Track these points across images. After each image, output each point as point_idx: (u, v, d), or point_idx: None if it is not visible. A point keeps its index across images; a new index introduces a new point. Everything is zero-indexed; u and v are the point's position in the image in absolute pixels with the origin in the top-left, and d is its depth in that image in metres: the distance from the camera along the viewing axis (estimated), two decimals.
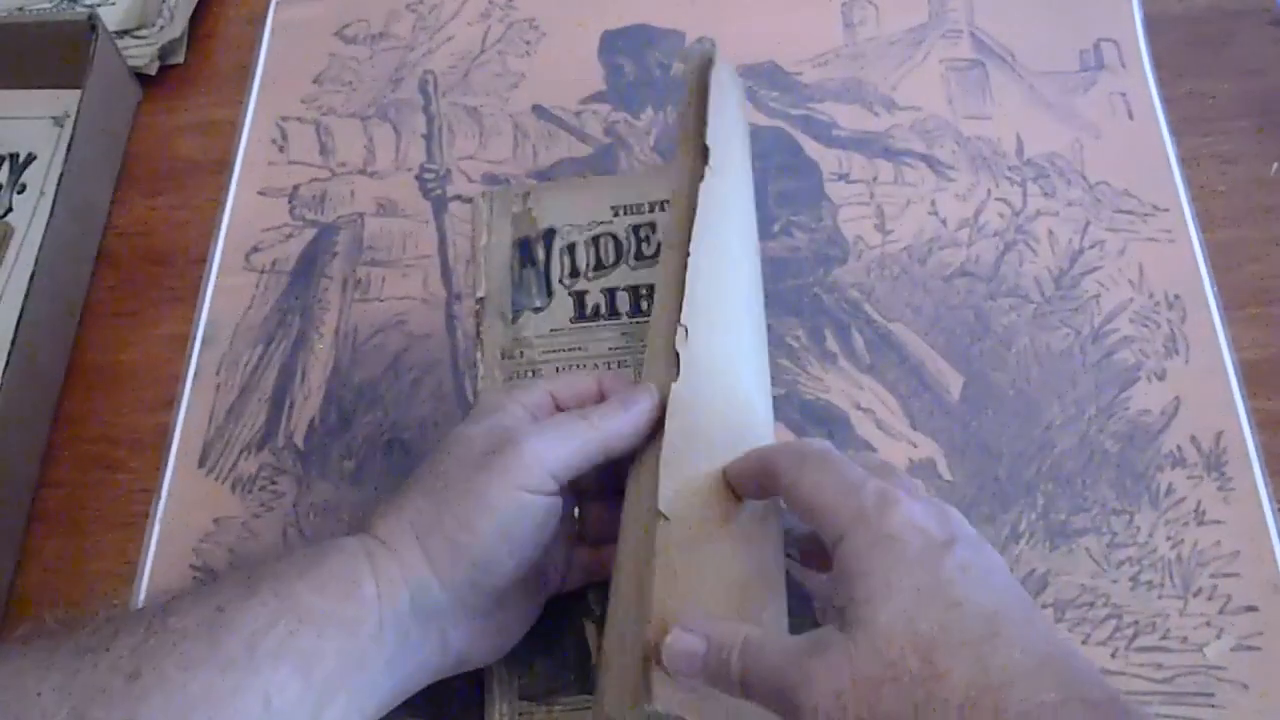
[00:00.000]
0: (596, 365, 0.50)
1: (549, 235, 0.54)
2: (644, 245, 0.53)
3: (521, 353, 0.51)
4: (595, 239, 0.53)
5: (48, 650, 0.31)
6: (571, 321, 0.51)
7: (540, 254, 0.53)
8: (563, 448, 0.37)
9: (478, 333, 0.52)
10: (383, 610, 0.35)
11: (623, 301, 0.52)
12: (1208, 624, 0.44)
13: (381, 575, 0.35)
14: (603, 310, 0.52)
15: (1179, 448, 0.47)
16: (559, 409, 0.41)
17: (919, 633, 0.29)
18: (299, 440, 0.51)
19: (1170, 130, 0.55)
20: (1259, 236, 0.53)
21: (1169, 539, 0.45)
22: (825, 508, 0.33)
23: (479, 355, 0.51)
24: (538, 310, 0.52)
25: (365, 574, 0.35)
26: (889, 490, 0.32)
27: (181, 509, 0.50)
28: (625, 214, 0.54)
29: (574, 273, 0.53)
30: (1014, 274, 0.52)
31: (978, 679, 0.28)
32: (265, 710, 0.32)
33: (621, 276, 0.52)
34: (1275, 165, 0.55)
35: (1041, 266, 0.52)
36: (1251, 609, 0.44)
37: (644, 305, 0.51)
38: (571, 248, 0.53)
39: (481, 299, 0.52)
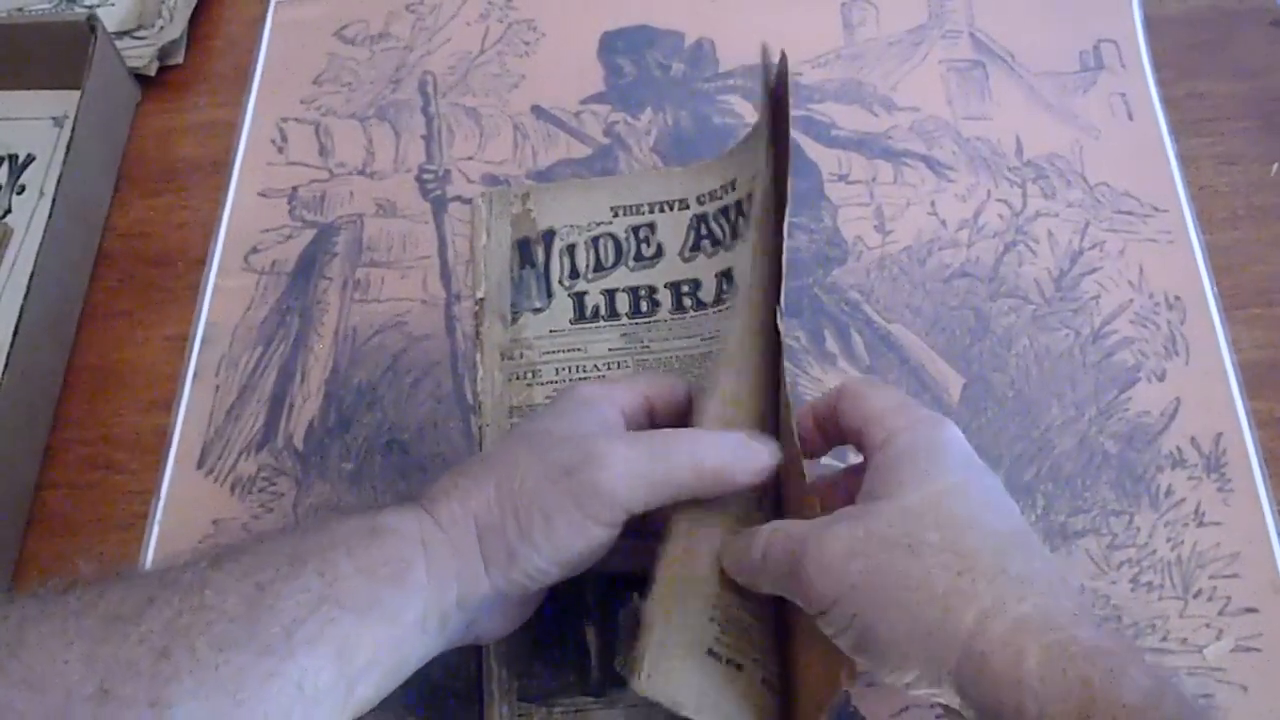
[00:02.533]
0: (596, 367, 0.50)
1: (548, 236, 0.54)
2: (643, 246, 0.53)
3: (521, 354, 0.51)
4: (595, 240, 0.53)
5: (76, 613, 0.30)
6: (571, 323, 0.51)
7: (540, 255, 0.53)
8: (645, 484, 0.36)
9: (477, 333, 0.52)
10: (428, 600, 0.34)
11: (622, 303, 0.52)
12: (1207, 625, 0.44)
13: (434, 564, 0.35)
14: (602, 311, 0.51)
15: (1179, 449, 0.47)
16: (650, 414, 0.40)
17: (950, 514, 0.32)
18: (298, 441, 0.51)
19: (1170, 131, 0.55)
20: (1259, 237, 0.53)
21: (1169, 540, 0.45)
22: (883, 412, 0.36)
23: (479, 356, 0.51)
24: (537, 311, 0.52)
25: (418, 561, 0.34)
26: (943, 417, 0.36)
27: (180, 510, 0.50)
28: (625, 215, 0.54)
29: (574, 274, 0.53)
30: (1014, 275, 0.52)
31: (1000, 566, 0.31)
32: (298, 694, 0.31)
33: (621, 278, 0.52)
34: (1275, 166, 0.55)
35: (1041, 267, 0.52)
36: (1251, 610, 0.44)
37: (643, 306, 0.51)
38: (571, 249, 0.53)
39: (481, 300, 0.52)
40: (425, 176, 0.58)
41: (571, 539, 0.35)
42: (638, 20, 0.62)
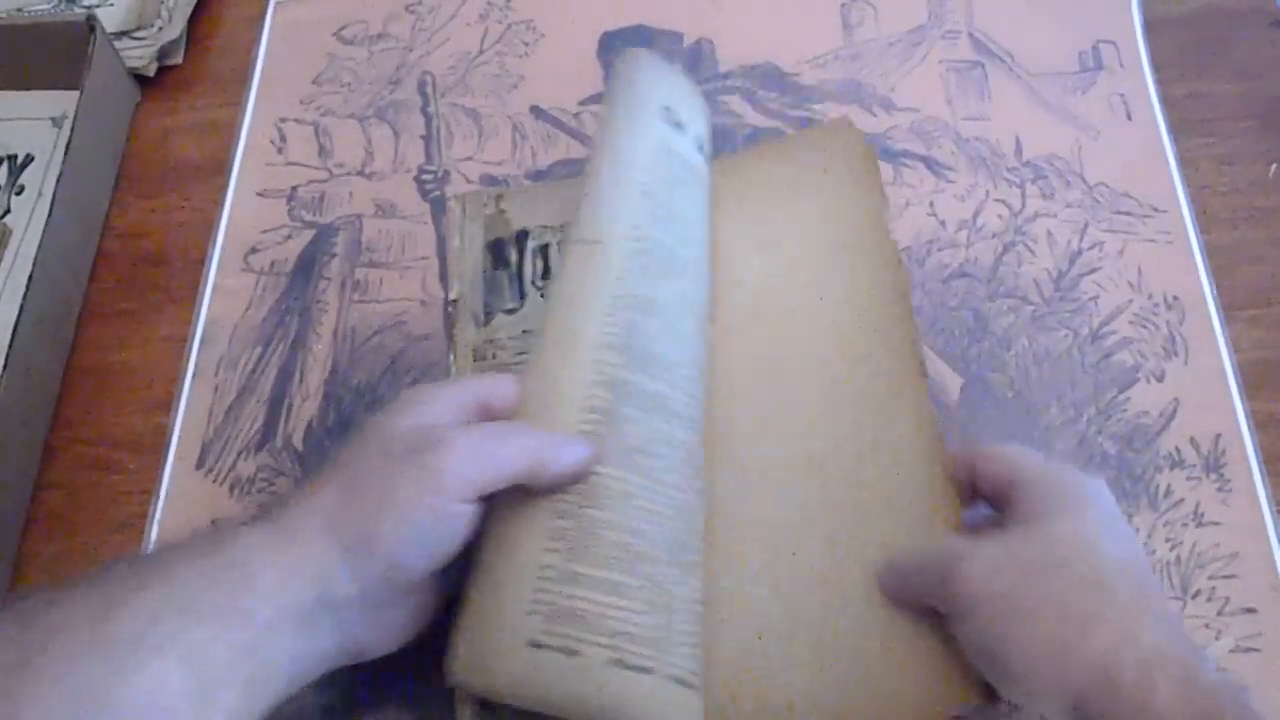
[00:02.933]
0: None
1: (521, 236, 0.53)
2: None
3: (494, 354, 0.50)
4: None
5: None
6: None
7: (513, 255, 0.53)
8: (486, 462, 0.36)
9: (450, 335, 0.52)
10: (278, 602, 0.34)
11: None
12: (1206, 626, 0.44)
13: (281, 566, 0.35)
14: None
15: (1177, 449, 0.47)
16: (485, 410, 0.40)
17: (1092, 546, 0.35)
18: (297, 441, 0.51)
19: (1169, 131, 0.55)
20: (1258, 238, 0.53)
21: (1168, 540, 0.45)
22: (1036, 466, 0.38)
23: (452, 358, 0.51)
24: (510, 311, 0.52)
25: (264, 565, 0.34)
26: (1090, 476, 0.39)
27: (180, 510, 0.50)
28: None
29: (546, 274, 0.52)
30: (1013, 275, 0.52)
31: (1134, 599, 0.33)
32: (151, 702, 0.31)
33: None
34: (1274, 166, 0.55)
35: (1040, 268, 0.52)
36: (1250, 611, 0.44)
37: None
38: (544, 249, 0.53)
39: (454, 301, 0.52)
40: (424, 177, 0.58)
41: (423, 516, 0.35)
42: (637, 21, 0.62)
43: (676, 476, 0.40)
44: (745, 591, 0.42)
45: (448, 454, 0.36)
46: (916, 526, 0.42)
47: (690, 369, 0.43)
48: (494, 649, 0.37)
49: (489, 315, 0.52)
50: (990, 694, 0.38)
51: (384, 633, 0.38)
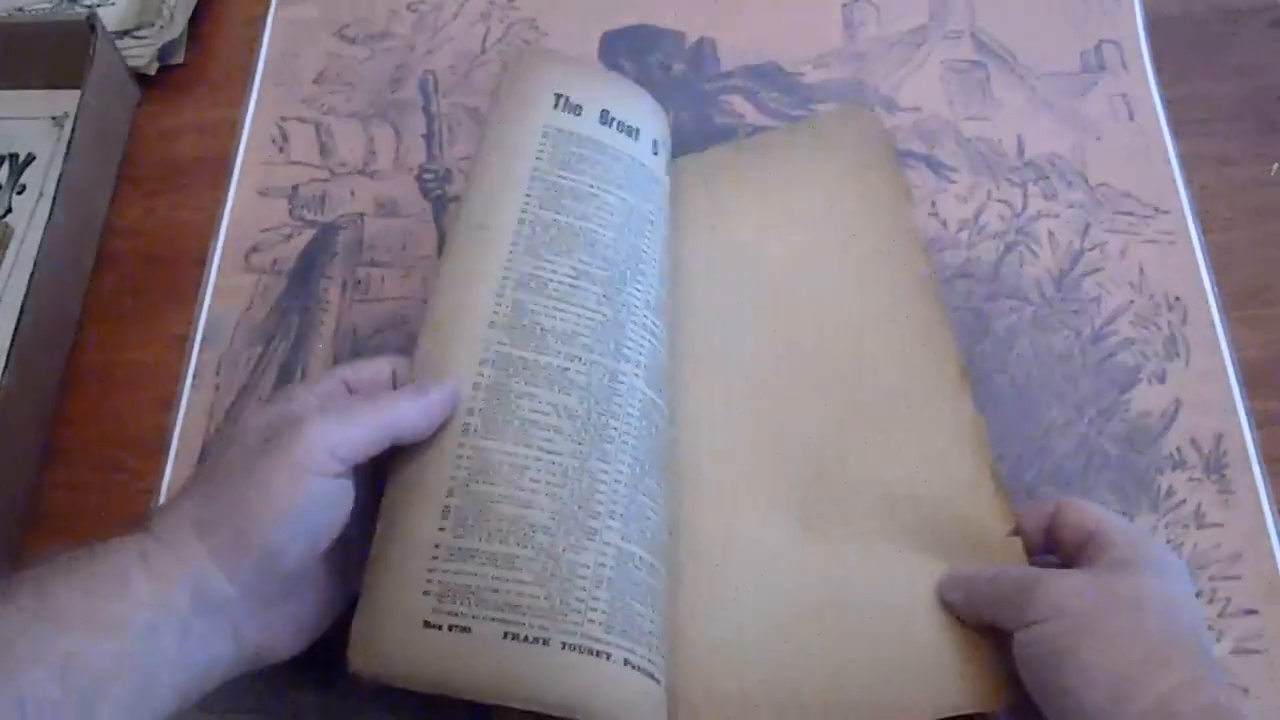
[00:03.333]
0: None
1: None
2: None
3: None
4: None
5: None
6: None
7: None
8: (347, 428, 0.36)
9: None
10: (155, 609, 0.34)
11: None
12: (1208, 627, 0.44)
13: (153, 572, 0.34)
14: None
15: (1179, 450, 0.47)
16: (354, 395, 0.40)
17: (1169, 597, 0.37)
18: None
19: (1171, 132, 0.55)
20: (1259, 237, 0.53)
21: (1169, 541, 0.45)
22: (1119, 522, 0.40)
23: None
24: None
25: (134, 572, 0.34)
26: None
27: None
28: None
29: None
30: (1014, 275, 0.52)
31: (1203, 653, 0.36)
32: (20, 715, 0.30)
33: None
34: (1275, 166, 0.55)
35: (1042, 268, 0.52)
36: (1252, 612, 0.44)
37: None
38: None
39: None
40: (426, 176, 0.58)
41: (290, 492, 0.35)
42: (639, 20, 0.62)
43: (573, 445, 0.40)
44: (759, 583, 0.43)
45: (303, 429, 0.36)
46: (964, 529, 0.43)
47: (590, 340, 0.43)
48: (388, 633, 0.37)
49: None
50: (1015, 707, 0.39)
51: (281, 632, 0.38)
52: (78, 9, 0.63)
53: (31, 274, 0.52)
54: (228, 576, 0.35)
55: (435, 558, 0.37)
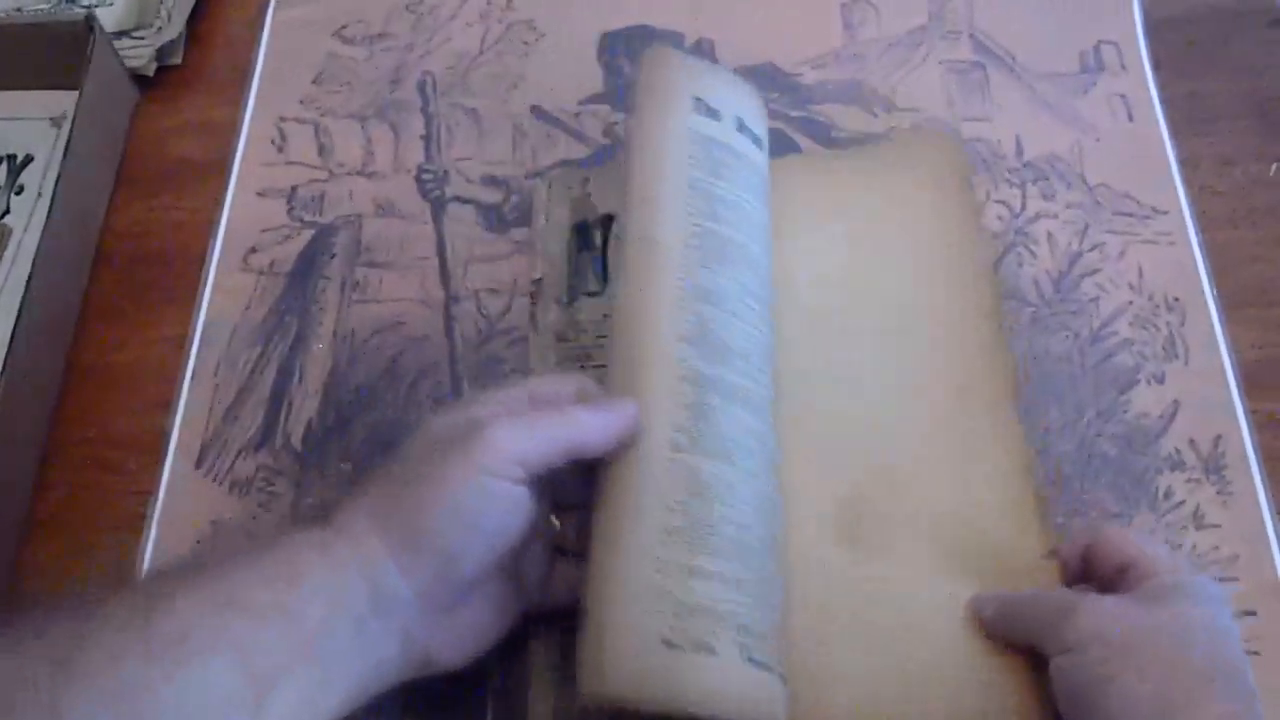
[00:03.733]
0: None
1: (607, 220, 0.53)
2: None
3: (576, 336, 0.50)
4: None
5: None
6: None
7: (598, 239, 0.53)
8: (530, 436, 0.36)
9: (532, 315, 0.51)
10: (331, 601, 0.34)
11: None
12: None
13: (332, 565, 0.34)
14: None
15: (1178, 451, 0.47)
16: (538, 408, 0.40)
17: (1213, 628, 0.36)
18: (296, 442, 0.51)
19: (1170, 132, 0.55)
20: (1259, 237, 0.53)
21: (1167, 543, 0.45)
22: (1163, 551, 0.40)
23: (532, 338, 0.51)
24: (593, 295, 0.51)
25: (313, 563, 0.34)
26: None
27: (179, 510, 0.50)
28: None
29: None
30: (1013, 277, 0.52)
31: (1247, 688, 0.35)
32: (199, 701, 0.31)
33: None
34: (1275, 165, 0.55)
35: (1041, 269, 0.52)
36: (1250, 614, 0.44)
37: None
38: None
39: (537, 280, 0.52)
40: (424, 177, 0.58)
41: (471, 496, 0.35)
42: (637, 20, 0.62)
43: (762, 468, 0.40)
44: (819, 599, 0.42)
45: (485, 432, 0.35)
46: (1000, 551, 0.42)
47: (759, 358, 0.43)
48: (626, 653, 0.35)
49: (572, 297, 0.51)
50: None
51: (450, 641, 0.37)
52: (76, 10, 0.63)
53: (29, 275, 0.52)
54: (404, 576, 0.35)
55: (666, 576, 0.36)
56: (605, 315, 0.51)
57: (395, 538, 0.35)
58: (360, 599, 0.34)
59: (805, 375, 0.46)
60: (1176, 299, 0.51)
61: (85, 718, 0.29)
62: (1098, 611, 0.36)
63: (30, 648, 0.30)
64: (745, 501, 0.39)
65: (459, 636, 0.38)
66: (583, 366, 0.49)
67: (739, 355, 0.41)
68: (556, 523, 0.42)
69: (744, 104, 0.49)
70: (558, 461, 0.37)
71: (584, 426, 0.37)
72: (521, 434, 0.36)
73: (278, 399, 0.52)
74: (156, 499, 0.50)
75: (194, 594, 0.32)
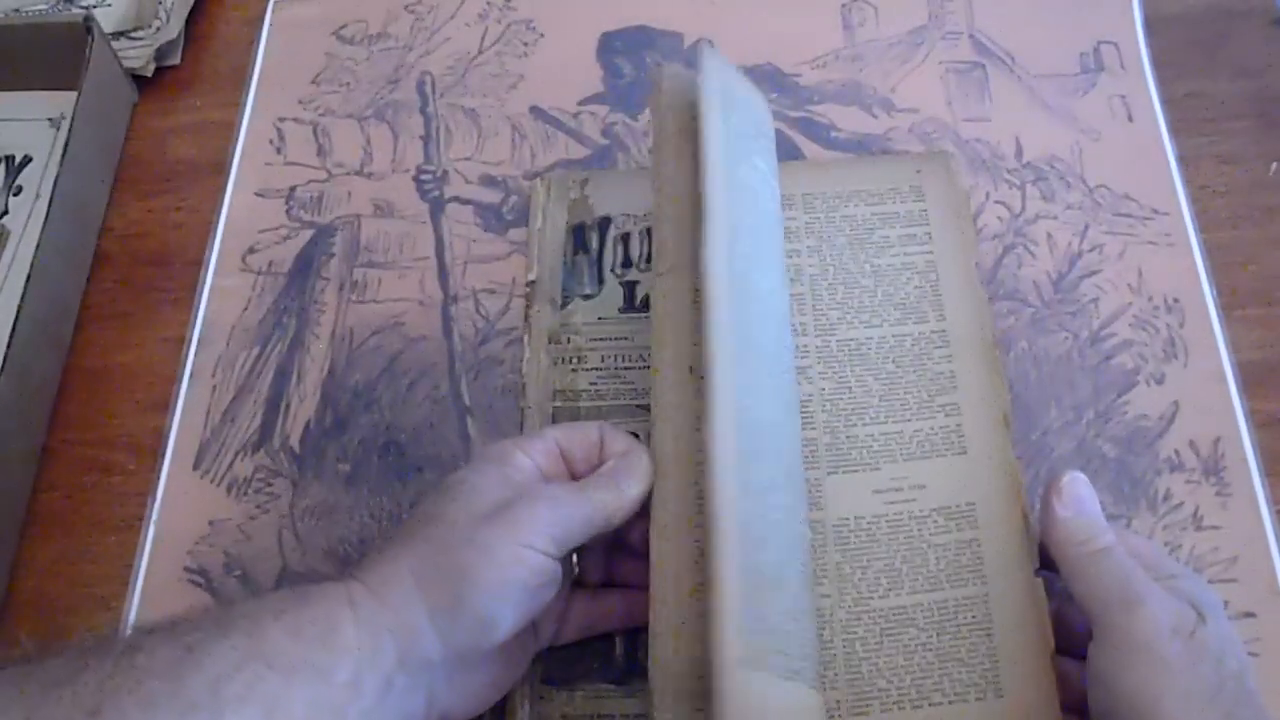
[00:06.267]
0: (641, 357, 0.50)
1: (604, 223, 0.53)
2: None
3: (569, 339, 0.51)
4: (650, 230, 0.53)
5: (17, 682, 0.31)
6: (620, 311, 0.51)
7: (594, 241, 0.53)
8: (566, 521, 0.37)
9: (526, 316, 0.52)
10: (360, 659, 0.34)
11: None
12: None
13: (364, 623, 0.34)
14: None
15: (1177, 452, 0.47)
16: (564, 459, 0.41)
17: (1231, 640, 0.36)
18: (295, 442, 0.51)
19: (1170, 133, 0.55)
20: (1258, 237, 0.53)
21: (1166, 544, 0.45)
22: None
23: (525, 338, 0.51)
24: (587, 298, 0.52)
25: (345, 621, 0.34)
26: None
27: (177, 511, 0.50)
28: None
29: (626, 262, 0.52)
30: (1012, 277, 0.52)
31: (1254, 700, 0.35)
32: None
33: None
34: (1274, 165, 0.55)
35: (1040, 270, 0.52)
36: (1249, 615, 0.44)
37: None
38: (625, 237, 0.53)
39: (532, 282, 0.52)
40: (423, 177, 0.58)
41: (516, 569, 0.35)
42: (637, 21, 0.62)
43: (800, 507, 0.40)
44: None
45: (534, 507, 0.37)
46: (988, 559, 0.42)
47: (790, 397, 0.43)
48: (710, 685, 0.35)
49: (566, 300, 0.52)
50: None
51: (466, 698, 0.38)
52: (74, 10, 0.63)
53: (28, 276, 0.51)
54: (439, 639, 0.35)
55: (733, 613, 0.36)
56: (600, 318, 0.51)
57: (435, 602, 0.35)
58: (390, 659, 0.34)
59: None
60: (1176, 300, 0.51)
61: None
62: (1158, 616, 0.35)
63: (64, 693, 0.30)
64: (794, 539, 0.39)
65: (476, 692, 0.38)
66: (574, 370, 0.50)
67: (775, 397, 0.41)
68: (576, 564, 0.43)
69: (769, 127, 0.48)
70: (588, 539, 0.38)
71: (608, 508, 0.39)
72: (559, 518, 0.37)
73: (276, 399, 0.52)
74: (155, 499, 0.50)
75: (229, 644, 0.32)
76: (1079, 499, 0.39)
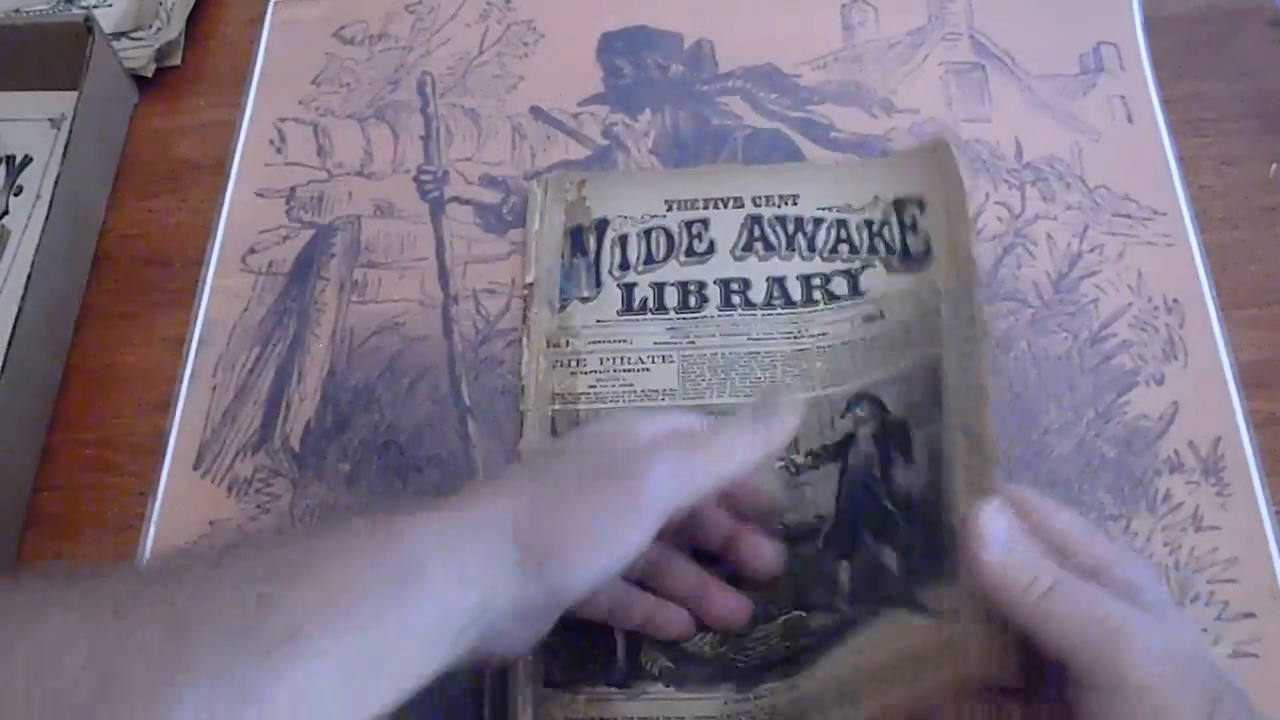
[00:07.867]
0: (640, 359, 0.50)
1: (601, 225, 0.53)
2: (695, 242, 0.52)
3: (567, 341, 0.51)
4: (647, 232, 0.53)
5: (78, 604, 0.29)
6: (618, 313, 0.51)
7: (591, 244, 0.53)
8: (691, 476, 0.36)
9: (524, 318, 0.52)
10: (444, 606, 0.33)
11: (671, 296, 0.51)
12: (1204, 630, 0.43)
13: (452, 568, 0.33)
14: (650, 304, 0.51)
15: (1177, 453, 0.47)
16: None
17: (1209, 660, 0.33)
18: (295, 442, 0.51)
19: (1170, 133, 0.55)
20: (1258, 237, 0.53)
21: (1166, 545, 0.45)
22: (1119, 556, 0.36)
23: (524, 341, 0.51)
24: (585, 300, 0.52)
25: (433, 565, 0.33)
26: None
27: (177, 511, 0.50)
28: (679, 209, 0.53)
29: (624, 264, 0.52)
30: (1012, 278, 0.52)
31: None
32: (302, 701, 0.30)
33: (671, 271, 0.52)
34: (1274, 166, 0.54)
35: (1040, 270, 0.52)
36: (1249, 615, 0.44)
37: (691, 301, 0.51)
38: (623, 239, 0.53)
39: (530, 284, 0.52)
40: (423, 177, 0.58)
41: (615, 531, 0.35)
42: (637, 21, 0.62)
43: None
44: None
45: (649, 478, 0.35)
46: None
47: None
48: None
49: (564, 302, 0.52)
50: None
51: (519, 638, 0.37)
52: (75, 10, 0.63)
53: (28, 276, 0.51)
54: (516, 587, 0.34)
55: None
56: (598, 321, 0.51)
57: (528, 552, 0.34)
58: (471, 604, 0.33)
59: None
60: (1176, 300, 0.51)
61: (190, 708, 0.28)
62: (1146, 651, 0.31)
63: (141, 611, 0.29)
64: None
65: (515, 642, 0.38)
66: (573, 373, 0.50)
67: None
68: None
69: None
70: (705, 499, 0.37)
71: (738, 456, 0.37)
72: (683, 475, 0.36)
73: (276, 400, 0.52)
74: (155, 500, 0.50)
75: (308, 586, 0.31)
76: (1001, 538, 0.34)
